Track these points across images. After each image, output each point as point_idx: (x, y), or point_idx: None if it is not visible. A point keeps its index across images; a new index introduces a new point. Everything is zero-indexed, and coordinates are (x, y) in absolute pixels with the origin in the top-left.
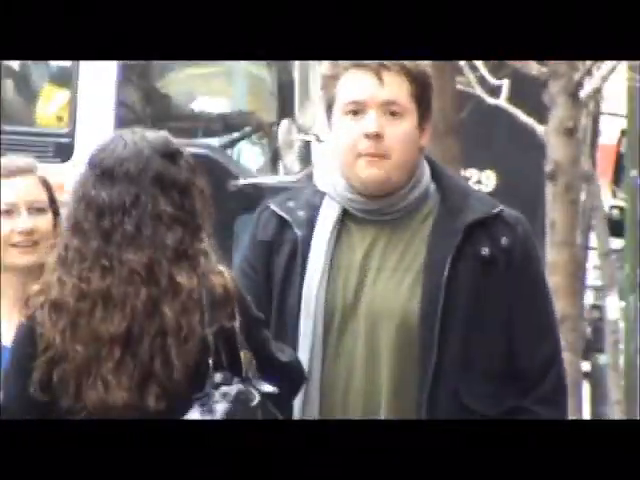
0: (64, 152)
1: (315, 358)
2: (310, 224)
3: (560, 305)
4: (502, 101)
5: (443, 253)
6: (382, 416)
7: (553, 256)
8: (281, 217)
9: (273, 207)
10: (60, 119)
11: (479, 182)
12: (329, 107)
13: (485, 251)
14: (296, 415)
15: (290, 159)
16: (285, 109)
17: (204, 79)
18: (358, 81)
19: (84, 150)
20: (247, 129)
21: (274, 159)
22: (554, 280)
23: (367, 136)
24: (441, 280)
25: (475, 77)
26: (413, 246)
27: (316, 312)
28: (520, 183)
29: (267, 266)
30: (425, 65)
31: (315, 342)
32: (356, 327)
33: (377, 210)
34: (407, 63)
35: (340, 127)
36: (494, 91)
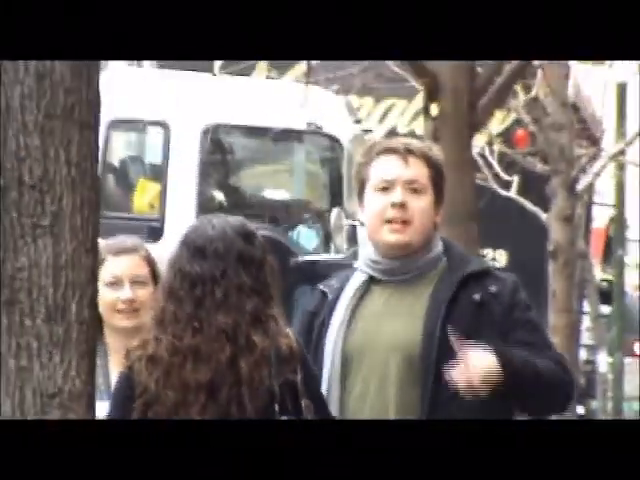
0: (155, 234)
1: (333, 390)
2: (340, 291)
3: None
4: (513, 193)
5: (442, 299)
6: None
7: (554, 320)
8: (322, 291)
9: (320, 286)
10: (152, 207)
11: (493, 259)
12: (361, 187)
13: (476, 297)
14: None
15: (340, 240)
16: (335, 199)
17: (270, 174)
18: (388, 164)
19: (172, 232)
20: (305, 216)
21: (326, 240)
22: (555, 340)
23: (394, 205)
24: (438, 320)
25: (490, 173)
26: (421, 298)
27: (334, 354)
28: (527, 260)
29: (309, 330)
30: (439, 154)
31: (333, 378)
32: (369, 361)
33: (396, 269)
34: (427, 150)
35: (372, 201)
36: (506, 185)
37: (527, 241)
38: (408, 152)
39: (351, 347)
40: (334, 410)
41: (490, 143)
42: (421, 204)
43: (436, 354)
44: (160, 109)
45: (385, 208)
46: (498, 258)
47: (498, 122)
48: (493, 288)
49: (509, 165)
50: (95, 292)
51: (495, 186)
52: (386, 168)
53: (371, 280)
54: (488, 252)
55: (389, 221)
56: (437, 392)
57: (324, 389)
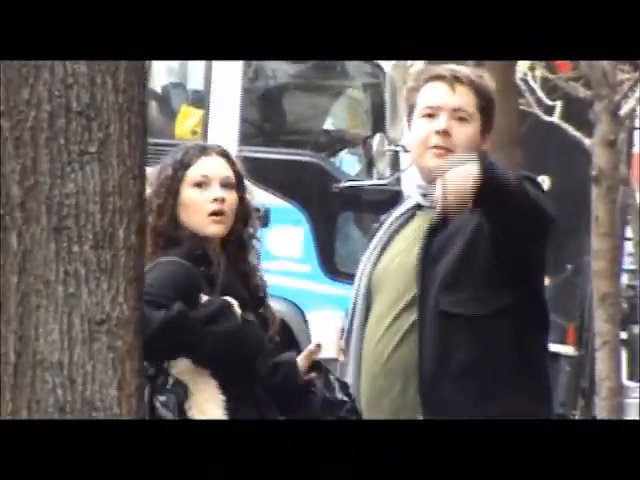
0: None
1: (357, 315)
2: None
3: (602, 285)
4: (556, 119)
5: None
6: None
7: (597, 245)
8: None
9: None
10: (195, 133)
11: None
12: (410, 113)
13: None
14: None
15: (382, 166)
16: (378, 125)
17: (313, 101)
18: (434, 90)
19: None
20: (347, 141)
21: (369, 166)
22: (598, 265)
23: (437, 132)
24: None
25: (533, 99)
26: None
27: (360, 279)
28: (570, 185)
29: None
30: (490, 82)
31: (357, 303)
32: (387, 287)
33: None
34: (475, 78)
35: (417, 127)
36: (549, 110)
37: (570, 166)
38: (455, 79)
39: (378, 273)
40: (356, 338)
41: (532, 68)
42: (466, 132)
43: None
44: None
45: (429, 135)
46: (541, 183)
47: None
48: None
49: (552, 90)
50: (143, 218)
51: (538, 111)
52: (432, 95)
53: (419, 207)
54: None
55: (433, 147)
56: (425, 285)
57: (348, 315)
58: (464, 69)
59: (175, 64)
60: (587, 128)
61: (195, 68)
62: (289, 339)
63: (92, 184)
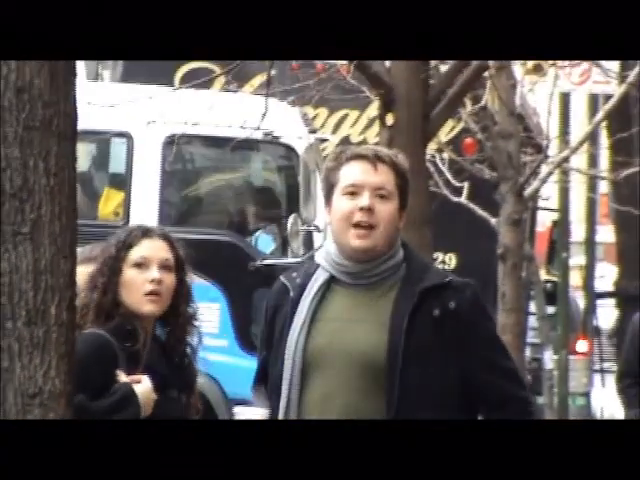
0: None
1: (293, 391)
2: (303, 288)
3: None
4: (463, 199)
5: (403, 312)
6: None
7: (503, 319)
8: (285, 284)
9: (281, 278)
10: (117, 214)
11: (443, 262)
12: (329, 192)
13: (436, 313)
14: None
15: (296, 245)
16: (291, 206)
17: (229, 183)
18: (357, 169)
19: None
20: (262, 222)
21: (284, 245)
22: (504, 338)
23: (361, 209)
24: (401, 332)
25: (441, 180)
26: (382, 304)
27: (295, 355)
28: (477, 263)
29: (272, 325)
30: (405, 161)
31: (293, 379)
32: (330, 367)
33: (359, 273)
34: (394, 158)
35: (340, 204)
36: (457, 191)
37: (477, 244)
38: (377, 159)
39: (312, 350)
40: (293, 413)
41: (440, 151)
42: (387, 209)
43: (401, 364)
44: (123, 121)
45: (353, 212)
46: (448, 261)
47: (447, 131)
48: (452, 304)
49: (459, 172)
50: (73, 296)
51: (446, 192)
52: (355, 173)
53: (333, 280)
54: (439, 255)
55: (356, 225)
56: (402, 404)
57: (284, 390)
58: (383, 149)
59: (97, 148)
60: (493, 208)
61: (116, 152)
62: (207, 411)
63: (25, 263)
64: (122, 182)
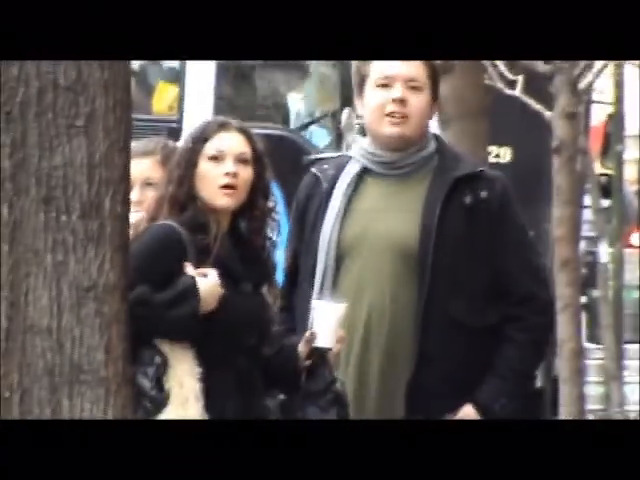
0: (175, 134)
1: (327, 277)
2: (335, 179)
3: (563, 251)
4: (518, 92)
5: (436, 199)
6: (385, 322)
7: (559, 212)
8: (316, 176)
9: (312, 169)
10: (171, 108)
11: (498, 155)
12: (361, 84)
13: (467, 200)
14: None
15: (350, 139)
16: (346, 99)
17: (284, 76)
18: (387, 61)
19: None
20: (317, 115)
21: (338, 139)
22: (560, 231)
23: (394, 100)
24: (434, 219)
25: (496, 73)
26: (415, 193)
27: (329, 244)
28: (531, 156)
29: (303, 217)
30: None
31: (328, 267)
32: (365, 255)
33: (392, 163)
34: None
35: (373, 96)
36: (511, 84)
37: (531, 138)
38: None
39: (347, 239)
40: (326, 298)
41: None
42: (419, 100)
43: (433, 252)
44: None
45: (386, 103)
46: (503, 155)
47: None
48: (483, 193)
49: (513, 65)
50: (128, 189)
51: (500, 85)
52: (385, 65)
53: (366, 172)
54: (494, 149)
55: (389, 114)
56: (434, 288)
57: (319, 277)
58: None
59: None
60: (547, 101)
61: None
62: None
63: (79, 157)
64: (177, 76)
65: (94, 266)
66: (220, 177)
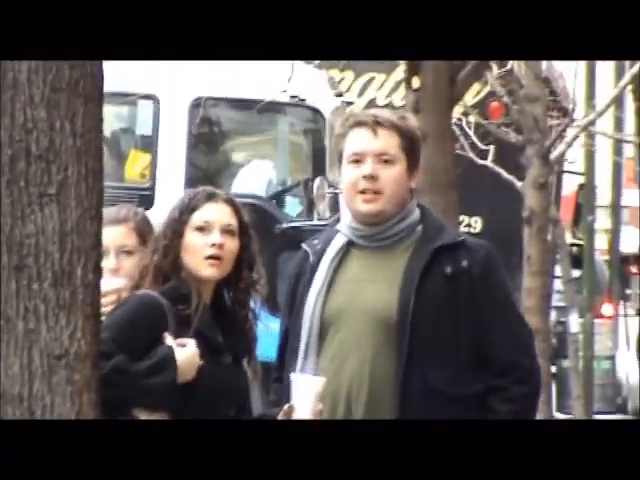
0: (147, 202)
1: (310, 352)
2: (322, 253)
3: (533, 321)
4: (489, 162)
5: (415, 270)
6: (364, 392)
7: (529, 283)
8: (305, 251)
9: (303, 245)
10: (144, 176)
11: (469, 225)
12: (340, 159)
13: (448, 270)
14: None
15: (322, 207)
16: (318, 169)
17: (255, 145)
18: (358, 136)
19: (163, 200)
20: (289, 183)
21: (310, 208)
22: (530, 302)
23: (365, 177)
24: (412, 290)
25: (467, 143)
26: (396, 264)
27: (312, 318)
28: (502, 226)
29: (294, 292)
30: (413, 122)
31: (310, 341)
32: (347, 326)
33: (372, 236)
34: (397, 121)
35: (346, 172)
36: (482, 154)
37: (502, 208)
38: (377, 124)
39: (330, 311)
40: (310, 371)
41: (466, 114)
42: (392, 174)
43: (411, 322)
44: (150, 83)
45: (357, 179)
46: (474, 224)
47: (473, 94)
48: (464, 262)
49: (485, 135)
50: (99, 257)
51: (472, 155)
52: (357, 141)
53: (351, 244)
54: (464, 219)
55: (362, 192)
56: (413, 359)
57: (301, 352)
58: (386, 113)
59: (124, 110)
60: (518, 171)
61: (143, 114)
62: None
63: (51, 224)
64: (149, 144)
65: (65, 334)
66: (206, 248)
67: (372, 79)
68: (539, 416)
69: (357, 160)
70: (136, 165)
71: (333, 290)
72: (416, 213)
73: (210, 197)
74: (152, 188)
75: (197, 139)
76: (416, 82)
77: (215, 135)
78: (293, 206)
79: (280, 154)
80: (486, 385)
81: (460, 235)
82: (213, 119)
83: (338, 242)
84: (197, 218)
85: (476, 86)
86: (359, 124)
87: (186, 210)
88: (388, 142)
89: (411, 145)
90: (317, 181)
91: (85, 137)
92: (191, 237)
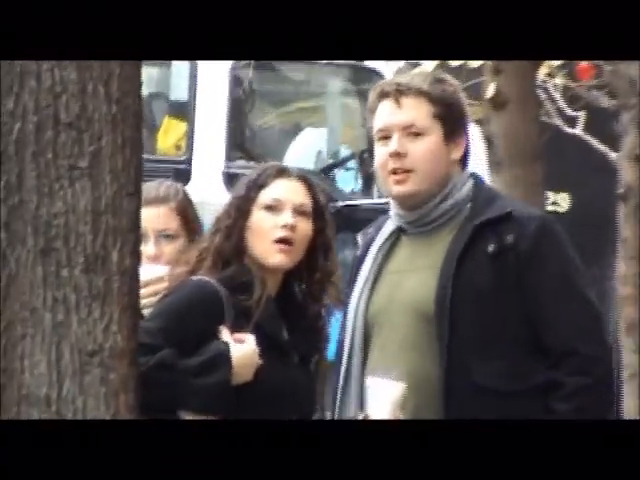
0: (183, 177)
1: (354, 363)
2: (371, 243)
3: (629, 311)
4: (578, 130)
5: (455, 251)
6: (411, 402)
7: (624, 269)
8: (359, 243)
9: (358, 236)
10: (179, 148)
11: (555, 203)
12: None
13: (491, 248)
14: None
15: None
16: None
17: (307, 112)
18: (383, 110)
19: (201, 175)
20: (342, 156)
21: (367, 183)
22: (625, 290)
23: (391, 155)
24: (449, 276)
25: (554, 108)
26: (439, 249)
27: (356, 315)
28: (594, 204)
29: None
30: (450, 84)
31: (355, 340)
32: (389, 324)
33: (415, 221)
34: (425, 86)
35: (376, 152)
36: (571, 121)
37: (594, 183)
38: (399, 93)
39: (373, 308)
40: (355, 390)
41: (552, 75)
42: (423, 147)
43: (450, 312)
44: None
45: (385, 159)
46: (561, 202)
47: None
48: (510, 238)
49: (573, 100)
50: (138, 239)
51: (559, 122)
52: (381, 115)
53: (402, 230)
54: (550, 195)
55: (392, 172)
56: (454, 353)
57: (344, 364)
58: (409, 79)
59: (155, 72)
60: (613, 141)
61: (178, 77)
62: None
63: (83, 202)
64: (184, 111)
65: (99, 327)
66: (276, 230)
67: None
68: (617, 416)
69: (384, 137)
70: (170, 135)
71: (378, 284)
72: (465, 188)
73: (281, 173)
74: (189, 161)
75: (240, 105)
76: None
77: (261, 101)
78: (348, 181)
79: (332, 121)
80: (541, 379)
81: (506, 207)
82: (258, 81)
83: (387, 229)
84: (266, 196)
85: None
86: (383, 95)
87: (254, 186)
88: (415, 112)
89: (447, 111)
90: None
91: (121, 103)
92: (259, 217)
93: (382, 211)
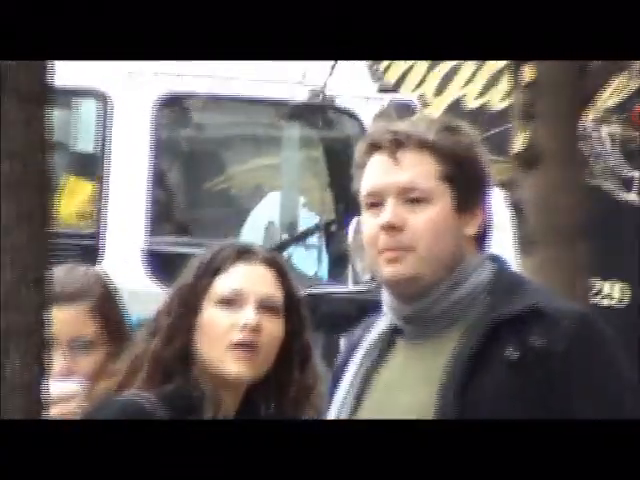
0: (91, 256)
1: None
2: (356, 347)
3: None
4: (634, 196)
5: (461, 361)
6: None
7: None
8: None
9: (341, 338)
10: (83, 217)
11: (608, 295)
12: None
13: (509, 353)
14: None
15: (361, 265)
16: (349, 204)
17: (254, 170)
18: (373, 167)
19: (116, 253)
20: (302, 229)
21: (337, 264)
22: None
23: (382, 227)
24: (453, 394)
25: (604, 166)
26: (443, 356)
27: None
28: None
29: None
30: (467, 134)
31: None
32: None
33: (413, 317)
34: (430, 136)
35: (364, 224)
36: (626, 183)
37: None
38: (396, 145)
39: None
40: None
41: (600, 121)
42: (426, 217)
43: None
44: (96, 75)
45: (376, 233)
46: (613, 292)
47: (609, 93)
48: (535, 339)
49: (630, 154)
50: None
51: (610, 185)
52: (371, 174)
53: (395, 330)
54: (596, 284)
55: (383, 250)
56: None
57: None
58: (412, 125)
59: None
60: None
61: (84, 121)
62: None
63: None
64: (92, 167)
65: None
66: (234, 331)
67: (457, 69)
68: None
69: (375, 203)
70: (74, 200)
71: (363, 402)
72: (482, 274)
73: (242, 255)
74: (98, 235)
75: (166, 158)
76: (529, 73)
77: (193, 154)
78: (306, 261)
79: (289, 181)
80: None
81: (533, 299)
82: (189, 128)
83: (377, 329)
84: (222, 285)
85: (615, 82)
86: (375, 148)
87: (205, 272)
88: (417, 171)
89: (460, 170)
90: (353, 223)
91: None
92: (211, 313)
93: (359, 302)
